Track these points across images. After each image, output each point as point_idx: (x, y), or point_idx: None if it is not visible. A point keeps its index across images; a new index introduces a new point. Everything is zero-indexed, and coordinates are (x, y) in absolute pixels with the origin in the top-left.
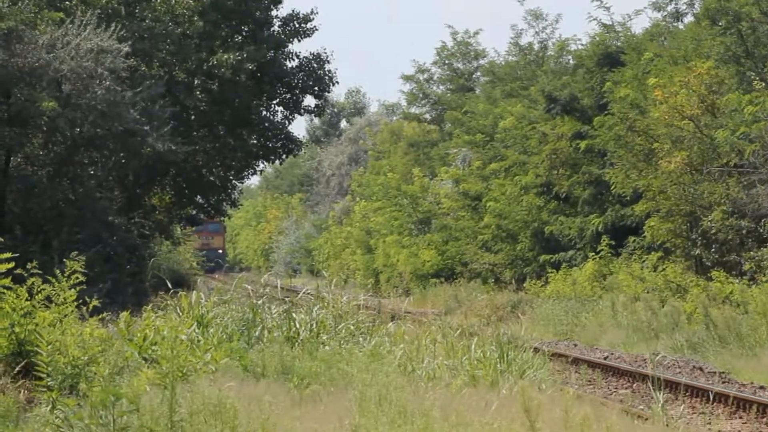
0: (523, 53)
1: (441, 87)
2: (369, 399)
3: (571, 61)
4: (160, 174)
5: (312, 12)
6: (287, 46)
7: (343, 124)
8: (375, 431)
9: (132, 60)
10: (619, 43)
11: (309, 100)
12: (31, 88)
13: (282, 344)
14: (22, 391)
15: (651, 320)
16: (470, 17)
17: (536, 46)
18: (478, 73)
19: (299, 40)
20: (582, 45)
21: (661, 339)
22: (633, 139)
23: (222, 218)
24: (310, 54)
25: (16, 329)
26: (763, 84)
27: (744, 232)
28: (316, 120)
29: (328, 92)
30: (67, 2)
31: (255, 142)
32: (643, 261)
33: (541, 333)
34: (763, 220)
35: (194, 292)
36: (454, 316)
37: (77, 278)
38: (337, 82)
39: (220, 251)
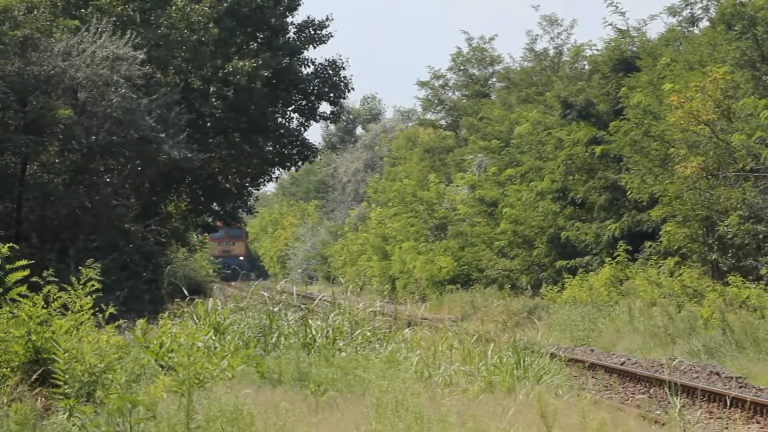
0: (539, 59)
1: (456, 93)
2: (385, 405)
3: (586, 67)
4: (176, 181)
5: (327, 18)
6: (302, 53)
7: (359, 130)
8: None
9: (147, 67)
10: (634, 49)
11: (324, 107)
12: (46, 96)
13: (298, 351)
14: (39, 398)
15: (668, 325)
16: (485, 23)
17: (551, 52)
18: (494, 79)
19: (314, 47)
20: (597, 50)
21: (677, 344)
22: (649, 144)
23: (243, 223)
24: (326, 60)
25: (33, 337)
26: None
27: (760, 236)
28: (332, 126)
29: (344, 99)
30: (82, 10)
31: (271, 149)
32: (660, 266)
33: (557, 339)
34: None
35: (210, 299)
36: (471, 322)
37: (93, 286)
38: (353, 89)
39: (242, 258)
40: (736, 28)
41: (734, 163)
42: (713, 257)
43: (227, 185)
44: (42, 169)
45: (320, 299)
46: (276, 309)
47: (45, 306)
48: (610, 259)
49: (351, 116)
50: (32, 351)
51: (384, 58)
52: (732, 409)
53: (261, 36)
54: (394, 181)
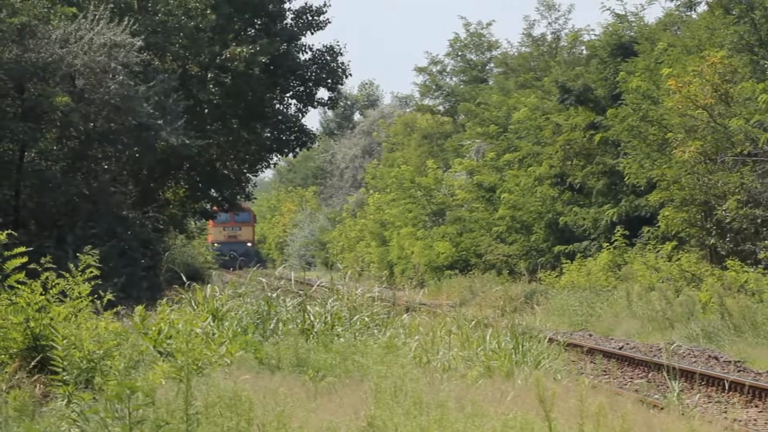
0: (536, 44)
1: (454, 79)
2: (384, 390)
3: (584, 52)
4: (174, 168)
5: (325, 4)
6: (300, 39)
7: (357, 116)
8: (390, 423)
9: (145, 54)
10: (632, 33)
11: (322, 93)
12: (44, 83)
13: (297, 337)
14: (38, 385)
15: (666, 310)
16: (483, 8)
17: (549, 37)
18: (491, 65)
19: (312, 33)
20: (595, 35)
21: (676, 328)
22: (647, 129)
23: (249, 205)
24: (323, 46)
25: (31, 324)
26: None
27: (759, 221)
28: (330, 112)
29: (342, 84)
30: None
31: (269, 135)
32: (658, 251)
33: (555, 324)
34: None
35: (209, 285)
36: (469, 307)
37: (92, 272)
38: (350, 75)
39: (249, 245)
40: (733, 13)
41: (732, 147)
42: (711, 241)
43: (225, 171)
44: (40, 157)
45: (318, 285)
46: (274, 295)
47: (43, 293)
48: (608, 244)
49: (349, 102)
50: (31, 338)
51: (382, 44)
52: (730, 393)
53: (258, 22)
54: (392, 167)
